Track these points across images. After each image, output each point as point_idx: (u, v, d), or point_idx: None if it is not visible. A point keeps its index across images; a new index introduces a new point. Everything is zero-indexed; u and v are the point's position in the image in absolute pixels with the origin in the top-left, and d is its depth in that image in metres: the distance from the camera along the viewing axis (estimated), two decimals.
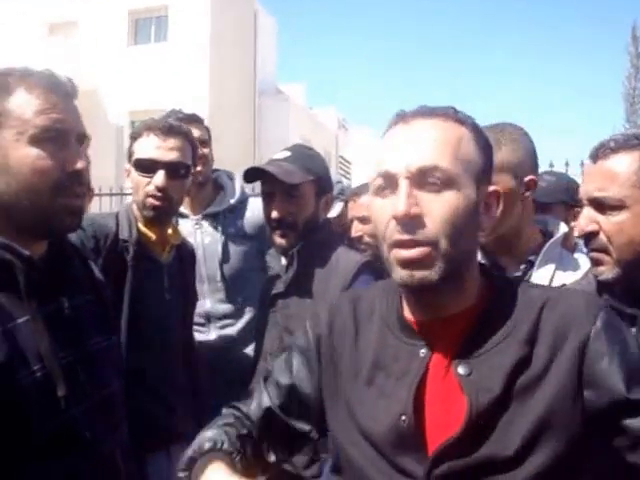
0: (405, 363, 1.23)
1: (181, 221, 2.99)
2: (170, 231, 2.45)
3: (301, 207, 2.24)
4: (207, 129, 3.11)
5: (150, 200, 2.29)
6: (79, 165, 1.39)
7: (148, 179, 2.29)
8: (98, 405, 1.45)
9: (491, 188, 1.24)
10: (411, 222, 1.14)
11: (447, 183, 1.15)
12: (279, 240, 2.25)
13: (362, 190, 3.22)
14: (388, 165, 1.19)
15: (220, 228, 3.00)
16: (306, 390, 1.39)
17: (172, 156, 2.29)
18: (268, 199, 2.29)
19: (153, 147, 2.29)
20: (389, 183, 1.18)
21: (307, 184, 2.24)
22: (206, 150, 3.01)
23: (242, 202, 3.05)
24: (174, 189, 2.30)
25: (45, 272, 1.39)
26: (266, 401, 1.42)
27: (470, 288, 1.24)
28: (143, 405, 2.03)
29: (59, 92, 1.40)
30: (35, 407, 1.28)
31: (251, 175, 2.35)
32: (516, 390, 1.14)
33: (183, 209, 2.99)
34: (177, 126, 2.38)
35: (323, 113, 27.69)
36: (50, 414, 1.30)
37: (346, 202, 3.36)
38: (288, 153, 2.32)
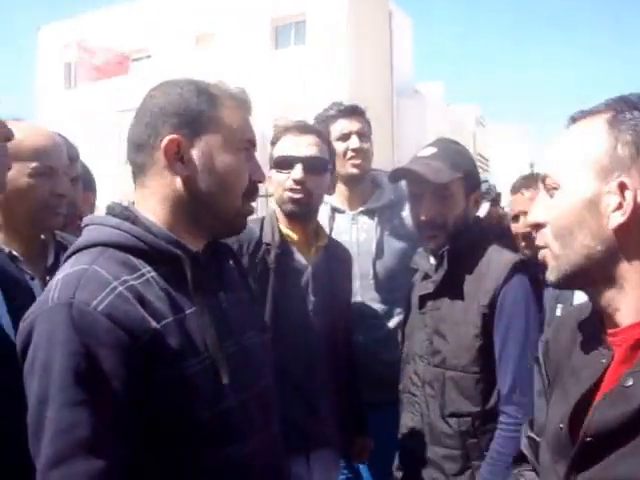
0: (589, 372, 1.19)
1: (337, 216, 2.97)
2: (316, 232, 2.43)
3: (451, 206, 2.17)
4: (368, 123, 3.02)
5: (288, 194, 2.31)
6: (260, 176, 1.53)
7: (287, 175, 2.31)
8: (254, 398, 1.48)
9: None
10: None
11: None
12: (428, 241, 2.21)
13: (529, 183, 3.05)
14: None
15: (376, 225, 2.93)
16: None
17: (309, 151, 2.30)
18: (416, 200, 2.24)
19: (290, 145, 2.33)
20: None
21: (456, 182, 2.15)
22: (366, 145, 2.94)
23: (400, 200, 2.93)
24: (312, 183, 2.31)
25: (205, 268, 1.45)
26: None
27: None
28: (283, 405, 2.03)
29: (248, 108, 1.54)
30: (201, 394, 1.33)
31: (397, 175, 2.34)
32: None
33: (340, 204, 2.99)
34: (312, 125, 2.48)
35: (460, 110, 27.21)
36: (211, 402, 1.34)
37: (493, 201, 3.23)
38: (434, 149, 2.23)
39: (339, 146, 2.87)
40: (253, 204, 1.58)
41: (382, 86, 22.90)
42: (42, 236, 2.06)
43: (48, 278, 1.86)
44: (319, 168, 2.31)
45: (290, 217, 2.34)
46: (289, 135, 2.33)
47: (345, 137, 2.91)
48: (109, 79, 20.19)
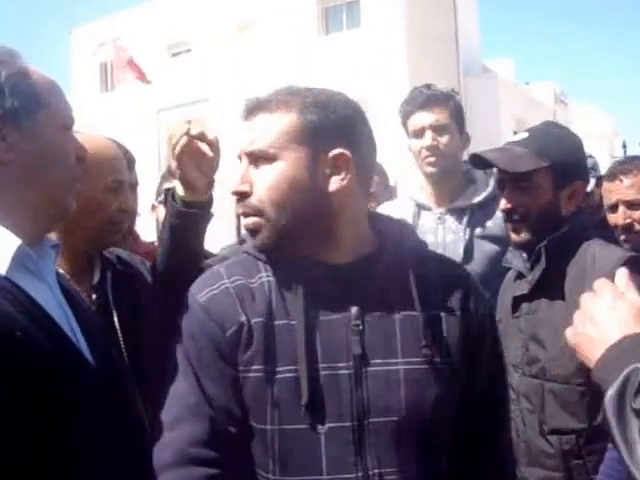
0: None
1: (422, 214, 2.94)
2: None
3: (533, 197, 2.12)
4: (452, 109, 2.95)
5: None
6: None
7: (420, 142, 2.88)
8: (342, 433, 1.43)
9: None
10: None
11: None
12: (512, 234, 2.18)
13: (629, 168, 2.89)
14: None
15: (465, 225, 2.86)
16: None
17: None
18: (500, 188, 2.23)
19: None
20: None
21: (541, 171, 2.10)
22: (444, 138, 2.90)
23: (493, 199, 2.78)
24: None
25: (342, 282, 1.49)
26: None
27: None
28: None
29: None
30: (271, 403, 1.44)
31: (471, 162, 2.35)
32: None
33: (426, 200, 2.96)
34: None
35: (537, 88, 27.00)
36: (280, 421, 1.44)
37: (598, 179, 3.06)
38: (525, 134, 2.20)
39: (415, 144, 2.88)
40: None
41: (447, 66, 22.72)
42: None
43: (95, 296, 1.88)
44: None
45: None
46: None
47: (419, 133, 2.89)
48: (147, 80, 20.65)
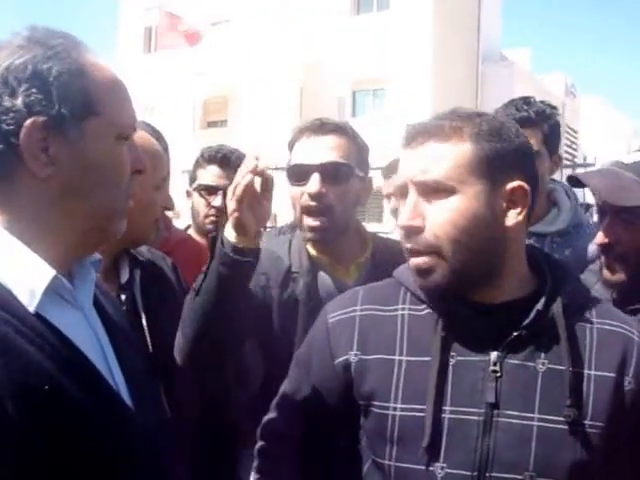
0: None
1: None
2: (355, 245, 2.12)
3: (637, 235, 1.78)
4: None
5: (306, 218, 2.10)
6: None
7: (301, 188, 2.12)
8: None
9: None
10: None
11: None
12: (606, 271, 1.84)
13: None
14: None
15: None
16: None
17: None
18: (599, 217, 1.91)
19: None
20: None
21: None
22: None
23: (576, 226, 2.55)
24: (333, 195, 2.04)
25: (491, 323, 1.39)
26: None
27: None
28: None
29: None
30: (395, 440, 1.40)
31: (572, 183, 2.02)
32: None
33: None
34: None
35: (549, 79, 26.93)
36: (399, 460, 1.41)
37: None
38: (639, 156, 1.85)
39: None
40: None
41: (468, 51, 23.26)
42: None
43: (123, 297, 1.79)
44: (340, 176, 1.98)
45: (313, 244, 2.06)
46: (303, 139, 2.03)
47: None
48: (189, 45, 21.59)
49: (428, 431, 1.33)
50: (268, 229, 6.50)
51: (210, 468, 2.04)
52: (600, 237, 1.81)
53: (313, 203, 1.95)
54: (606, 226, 1.79)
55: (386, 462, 1.40)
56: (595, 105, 29.31)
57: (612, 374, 1.37)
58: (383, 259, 1.95)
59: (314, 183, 1.93)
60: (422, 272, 1.37)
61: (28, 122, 1.07)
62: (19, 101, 1.06)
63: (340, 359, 1.47)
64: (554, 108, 2.57)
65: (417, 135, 1.37)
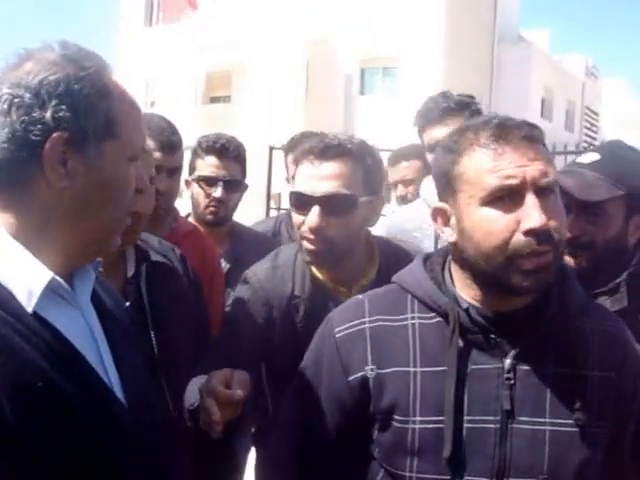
0: None
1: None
2: (360, 266, 2.03)
3: (602, 228, 1.89)
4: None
5: (304, 243, 2.11)
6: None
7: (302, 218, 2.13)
8: None
9: None
10: None
11: None
12: (569, 259, 1.89)
13: None
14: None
15: None
16: None
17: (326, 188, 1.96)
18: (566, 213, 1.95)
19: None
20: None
21: (615, 200, 1.86)
22: None
23: None
24: (334, 228, 1.99)
25: (505, 330, 1.40)
26: None
27: None
28: None
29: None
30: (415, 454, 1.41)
31: None
32: None
33: None
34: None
35: (568, 60, 26.91)
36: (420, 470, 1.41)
37: None
38: (597, 156, 1.95)
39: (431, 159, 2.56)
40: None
41: (483, 30, 22.80)
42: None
43: (129, 291, 1.81)
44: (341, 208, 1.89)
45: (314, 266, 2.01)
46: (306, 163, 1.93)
47: (434, 148, 2.50)
48: (190, 14, 21.03)
49: (449, 442, 1.35)
50: (272, 209, 6.62)
51: (210, 468, 2.10)
52: (568, 229, 1.84)
53: (312, 236, 1.90)
54: (571, 221, 1.86)
55: (407, 474, 1.41)
56: (617, 88, 28.79)
57: (613, 374, 1.43)
58: (391, 273, 1.72)
59: (313, 217, 1.88)
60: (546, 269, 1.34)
61: (55, 135, 1.11)
62: (48, 114, 1.11)
63: (355, 375, 1.47)
64: (470, 97, 2.78)
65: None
